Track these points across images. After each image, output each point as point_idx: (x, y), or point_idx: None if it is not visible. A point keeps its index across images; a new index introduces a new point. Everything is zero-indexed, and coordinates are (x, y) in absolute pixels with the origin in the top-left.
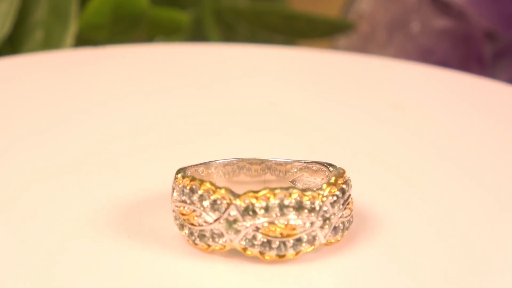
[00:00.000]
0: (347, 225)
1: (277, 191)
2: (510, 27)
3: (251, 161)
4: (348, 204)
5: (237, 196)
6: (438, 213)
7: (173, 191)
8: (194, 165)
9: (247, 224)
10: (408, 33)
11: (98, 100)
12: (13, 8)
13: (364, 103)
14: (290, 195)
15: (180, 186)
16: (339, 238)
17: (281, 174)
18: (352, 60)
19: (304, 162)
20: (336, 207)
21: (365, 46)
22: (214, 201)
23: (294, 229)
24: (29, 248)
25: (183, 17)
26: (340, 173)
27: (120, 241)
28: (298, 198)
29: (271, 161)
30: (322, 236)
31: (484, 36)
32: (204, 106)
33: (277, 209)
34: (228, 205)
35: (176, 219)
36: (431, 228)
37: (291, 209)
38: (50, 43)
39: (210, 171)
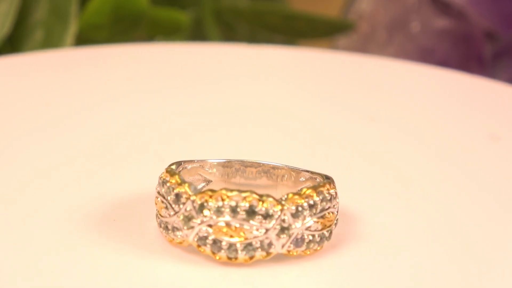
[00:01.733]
0: (317, 239)
1: (233, 193)
2: (510, 27)
3: (246, 164)
4: (322, 217)
5: (197, 192)
6: (439, 219)
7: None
8: (190, 161)
9: (198, 221)
10: (408, 33)
11: (98, 100)
12: (13, 8)
13: (364, 104)
14: (244, 198)
15: (160, 178)
16: (308, 252)
17: (278, 179)
18: (352, 60)
19: (310, 173)
20: (300, 218)
21: (365, 46)
22: (176, 195)
23: (243, 232)
24: (19, 247)
25: (183, 17)
26: (318, 185)
27: (111, 235)
28: (253, 203)
29: (268, 165)
30: (279, 245)
31: (484, 36)
32: (204, 106)
33: (228, 211)
34: (187, 200)
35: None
36: (428, 240)
37: (243, 213)
38: (50, 43)
39: (206, 169)
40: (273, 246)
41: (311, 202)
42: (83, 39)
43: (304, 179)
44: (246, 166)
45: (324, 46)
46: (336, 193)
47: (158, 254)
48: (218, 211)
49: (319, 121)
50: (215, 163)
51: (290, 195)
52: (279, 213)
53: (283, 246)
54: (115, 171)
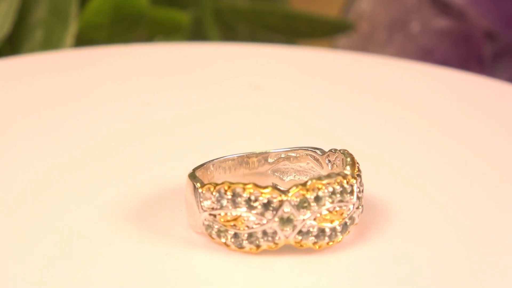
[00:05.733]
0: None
1: (322, 180)
2: (510, 27)
3: (249, 155)
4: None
5: (285, 192)
6: (436, 212)
7: (200, 202)
8: (201, 168)
9: (304, 217)
10: (408, 33)
11: (98, 100)
12: (13, 8)
13: (364, 103)
14: (335, 181)
15: (214, 194)
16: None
17: (279, 164)
18: (352, 60)
19: (283, 151)
20: (361, 187)
21: (365, 46)
22: (263, 201)
23: (341, 213)
24: (39, 247)
25: (183, 17)
26: (348, 154)
27: (126, 240)
28: (341, 183)
29: (267, 153)
30: (357, 216)
31: (484, 36)
32: (204, 106)
33: (327, 197)
34: (280, 202)
35: (208, 228)
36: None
37: (338, 194)
38: (50, 43)
39: (212, 170)
40: (355, 220)
41: (359, 170)
42: (83, 39)
43: (273, 160)
44: (249, 158)
45: (324, 46)
46: None
47: (198, 248)
48: (319, 201)
49: (319, 120)
50: (217, 162)
51: (348, 168)
52: (355, 186)
53: (358, 217)
54: (115, 173)
